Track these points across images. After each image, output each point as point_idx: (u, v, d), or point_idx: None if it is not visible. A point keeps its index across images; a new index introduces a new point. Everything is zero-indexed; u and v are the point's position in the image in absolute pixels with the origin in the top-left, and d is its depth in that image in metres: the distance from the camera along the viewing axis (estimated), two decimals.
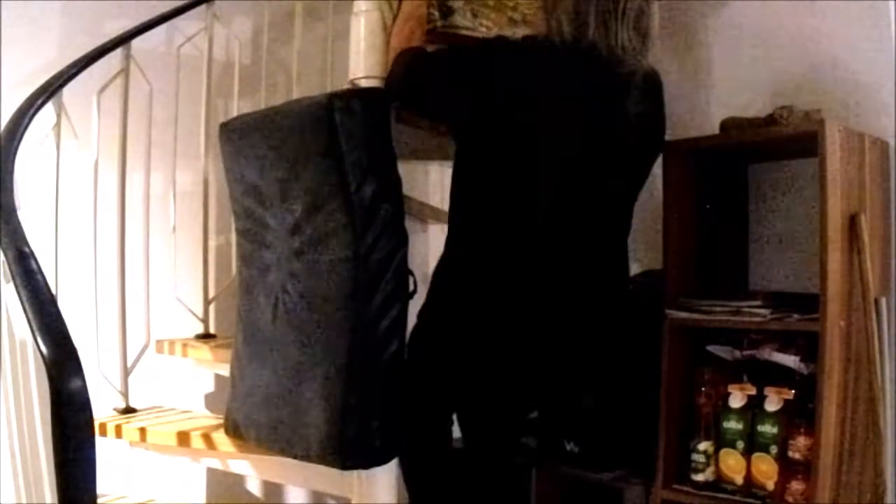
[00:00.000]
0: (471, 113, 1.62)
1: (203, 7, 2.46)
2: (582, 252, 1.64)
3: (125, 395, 2.32)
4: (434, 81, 1.70)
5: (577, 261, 1.63)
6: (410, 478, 1.82)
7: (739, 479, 1.87)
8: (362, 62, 1.82)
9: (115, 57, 2.27)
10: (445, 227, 1.71)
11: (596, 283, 1.66)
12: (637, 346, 2.06)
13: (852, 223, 1.82)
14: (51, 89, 2.06)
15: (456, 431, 1.86)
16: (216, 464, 2.25)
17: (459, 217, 1.67)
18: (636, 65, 1.56)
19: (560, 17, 1.54)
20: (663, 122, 1.69)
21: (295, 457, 1.80)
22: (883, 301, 1.92)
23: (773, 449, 1.82)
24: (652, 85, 1.66)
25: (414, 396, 1.72)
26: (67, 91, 2.13)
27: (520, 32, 1.94)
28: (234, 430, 1.98)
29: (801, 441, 1.78)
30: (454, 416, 1.82)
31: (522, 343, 1.64)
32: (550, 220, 1.60)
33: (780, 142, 1.95)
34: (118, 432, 2.18)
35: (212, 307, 2.52)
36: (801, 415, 1.80)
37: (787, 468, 1.81)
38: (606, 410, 2.10)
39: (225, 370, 2.10)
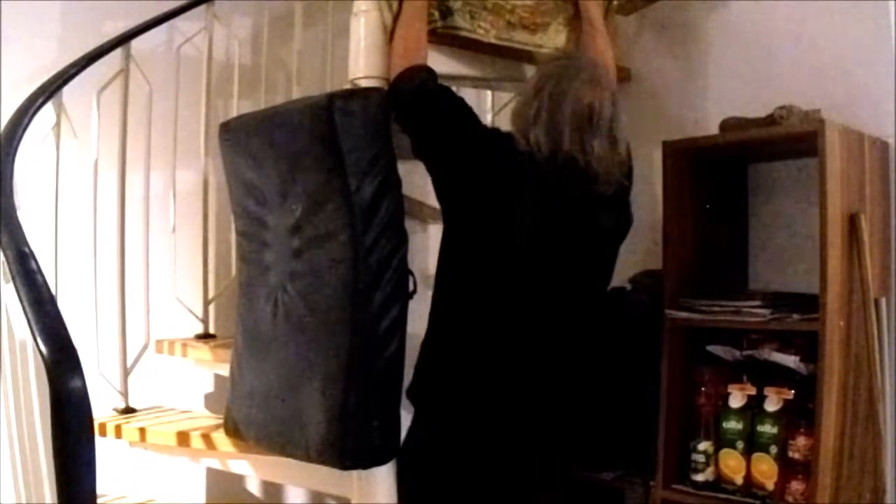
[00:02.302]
0: (460, 180, 1.69)
1: (203, 7, 2.46)
2: (560, 313, 1.72)
3: (125, 395, 2.32)
4: (439, 126, 1.72)
5: (558, 314, 1.71)
6: (409, 480, 1.81)
7: (739, 479, 1.87)
8: (362, 62, 1.82)
9: (115, 57, 2.27)
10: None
11: (578, 333, 1.75)
12: (637, 347, 2.06)
13: (852, 223, 1.82)
14: (51, 89, 2.06)
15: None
16: (216, 464, 2.25)
17: (445, 289, 1.73)
18: (606, 177, 1.65)
19: (537, 134, 1.63)
20: (629, 227, 1.80)
21: (295, 457, 1.80)
22: (883, 301, 1.92)
23: (773, 449, 1.82)
24: (620, 198, 1.75)
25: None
26: (67, 91, 2.13)
27: (517, 36, 1.95)
28: (233, 429, 1.98)
29: (801, 441, 1.78)
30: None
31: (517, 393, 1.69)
32: (530, 293, 1.67)
33: (780, 142, 1.95)
34: (118, 432, 2.18)
35: (212, 307, 2.51)
36: (801, 415, 1.80)
37: (787, 468, 1.81)
38: (606, 410, 2.10)
39: (225, 370, 2.10)
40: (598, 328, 1.81)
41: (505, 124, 1.78)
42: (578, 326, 1.75)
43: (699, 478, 1.93)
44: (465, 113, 1.74)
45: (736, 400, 1.90)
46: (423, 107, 1.73)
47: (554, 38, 2.00)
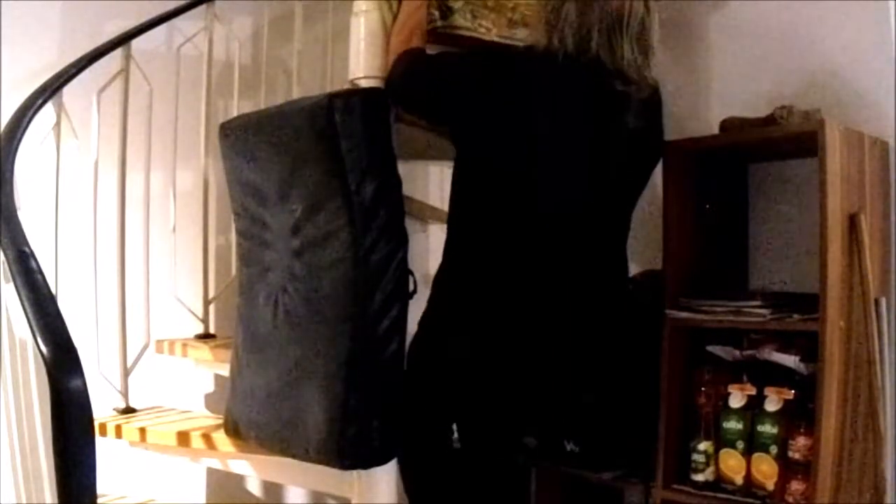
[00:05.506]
0: (470, 119, 1.64)
1: (203, 7, 2.47)
2: (582, 258, 1.67)
3: (125, 395, 2.32)
4: (434, 84, 1.70)
5: (577, 266, 1.66)
6: (409, 478, 1.82)
7: (739, 480, 1.87)
8: (362, 62, 1.82)
9: (115, 57, 2.28)
10: (445, 228, 1.72)
11: (596, 286, 1.69)
12: (637, 346, 2.06)
13: (852, 223, 1.82)
14: (51, 89, 2.06)
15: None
16: (216, 464, 2.25)
17: (459, 225, 1.69)
18: (636, 79, 1.58)
19: (565, 31, 1.55)
20: (661, 136, 1.72)
21: (295, 457, 1.80)
22: (883, 301, 1.92)
23: (773, 449, 1.82)
24: (651, 100, 1.68)
25: (414, 403, 1.72)
26: (67, 91, 2.13)
27: (519, 34, 1.95)
28: (233, 430, 1.98)
29: (801, 441, 1.78)
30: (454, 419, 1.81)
31: (524, 347, 1.65)
32: (550, 228, 1.62)
33: (780, 142, 1.95)
34: (118, 432, 2.18)
35: (212, 307, 2.52)
36: (801, 415, 1.79)
37: (787, 468, 1.80)
38: (606, 410, 2.10)
39: (225, 370, 2.10)
40: (599, 327, 1.77)
41: None
42: (603, 258, 1.68)
43: (699, 478, 1.93)
44: (455, 63, 1.71)
45: (736, 400, 1.90)
46: (416, 82, 1.71)
47: None
